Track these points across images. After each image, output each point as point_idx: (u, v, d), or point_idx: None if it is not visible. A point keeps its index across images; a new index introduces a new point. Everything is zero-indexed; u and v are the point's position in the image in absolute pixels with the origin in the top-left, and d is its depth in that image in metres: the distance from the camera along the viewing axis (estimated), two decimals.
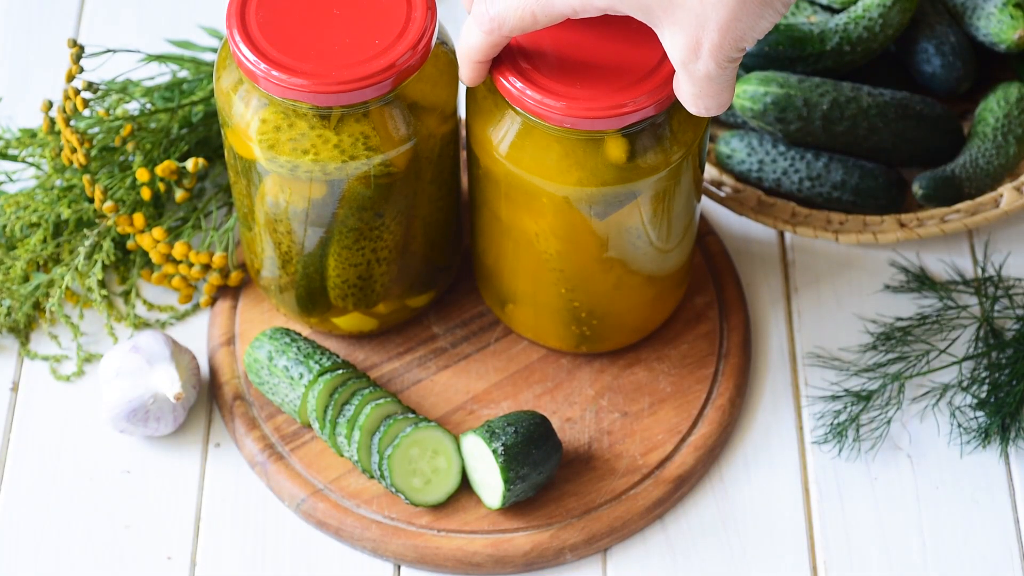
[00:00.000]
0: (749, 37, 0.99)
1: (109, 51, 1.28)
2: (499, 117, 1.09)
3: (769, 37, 1.31)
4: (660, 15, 0.99)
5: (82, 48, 1.24)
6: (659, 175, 1.09)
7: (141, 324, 1.27)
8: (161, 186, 1.26)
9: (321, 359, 1.19)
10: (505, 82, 1.06)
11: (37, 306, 1.27)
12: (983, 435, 1.21)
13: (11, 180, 1.32)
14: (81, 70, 1.24)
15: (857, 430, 1.21)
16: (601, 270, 1.15)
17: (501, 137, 1.09)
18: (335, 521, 1.17)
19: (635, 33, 1.07)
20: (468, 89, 1.12)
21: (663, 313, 1.23)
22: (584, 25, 1.08)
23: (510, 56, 1.07)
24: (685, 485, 1.19)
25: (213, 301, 1.28)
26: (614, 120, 1.05)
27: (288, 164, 1.10)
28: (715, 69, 1.00)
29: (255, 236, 1.19)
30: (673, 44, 1.00)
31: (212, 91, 1.32)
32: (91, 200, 1.28)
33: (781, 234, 1.33)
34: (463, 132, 1.30)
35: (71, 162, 1.25)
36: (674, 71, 1.04)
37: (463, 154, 1.30)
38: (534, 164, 1.09)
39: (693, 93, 1.02)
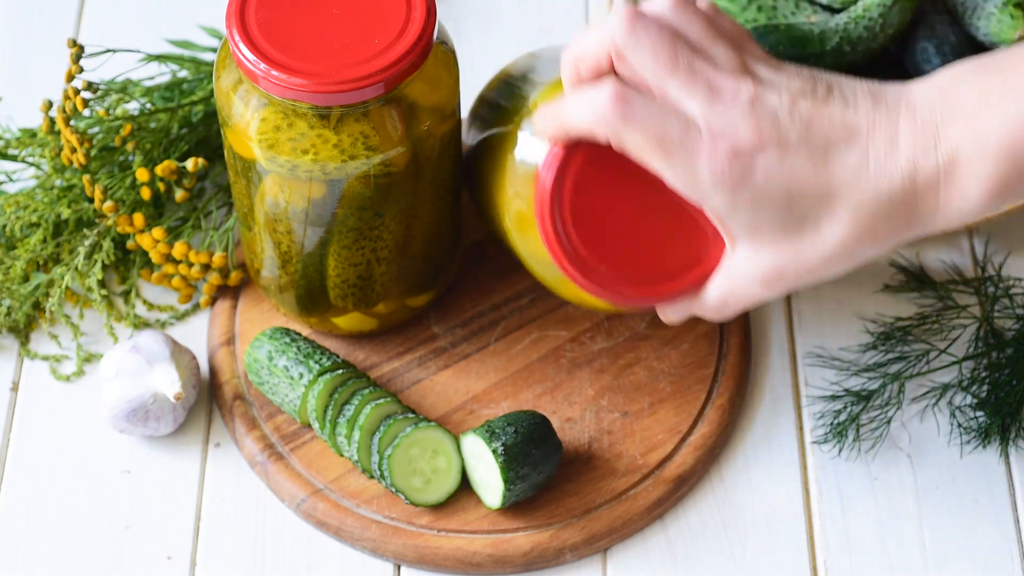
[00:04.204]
0: (820, 279, 0.99)
1: (109, 51, 1.28)
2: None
3: (769, 37, 1.31)
4: (775, 225, 0.97)
5: (82, 48, 1.24)
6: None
7: (141, 324, 1.27)
8: (161, 186, 1.26)
9: (321, 359, 1.19)
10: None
11: (37, 306, 1.27)
12: (983, 435, 1.21)
13: (11, 180, 1.32)
14: (81, 70, 1.24)
15: (857, 430, 1.21)
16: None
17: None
18: (335, 521, 1.17)
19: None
20: None
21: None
22: None
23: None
24: (685, 485, 1.19)
25: (213, 301, 1.28)
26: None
27: (288, 164, 1.10)
28: (763, 294, 1.00)
29: (255, 236, 1.19)
30: (756, 258, 0.99)
31: (212, 91, 1.32)
32: (91, 200, 1.28)
33: None
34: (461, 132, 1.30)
35: (71, 162, 1.25)
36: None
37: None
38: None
39: (726, 302, 1.03)
